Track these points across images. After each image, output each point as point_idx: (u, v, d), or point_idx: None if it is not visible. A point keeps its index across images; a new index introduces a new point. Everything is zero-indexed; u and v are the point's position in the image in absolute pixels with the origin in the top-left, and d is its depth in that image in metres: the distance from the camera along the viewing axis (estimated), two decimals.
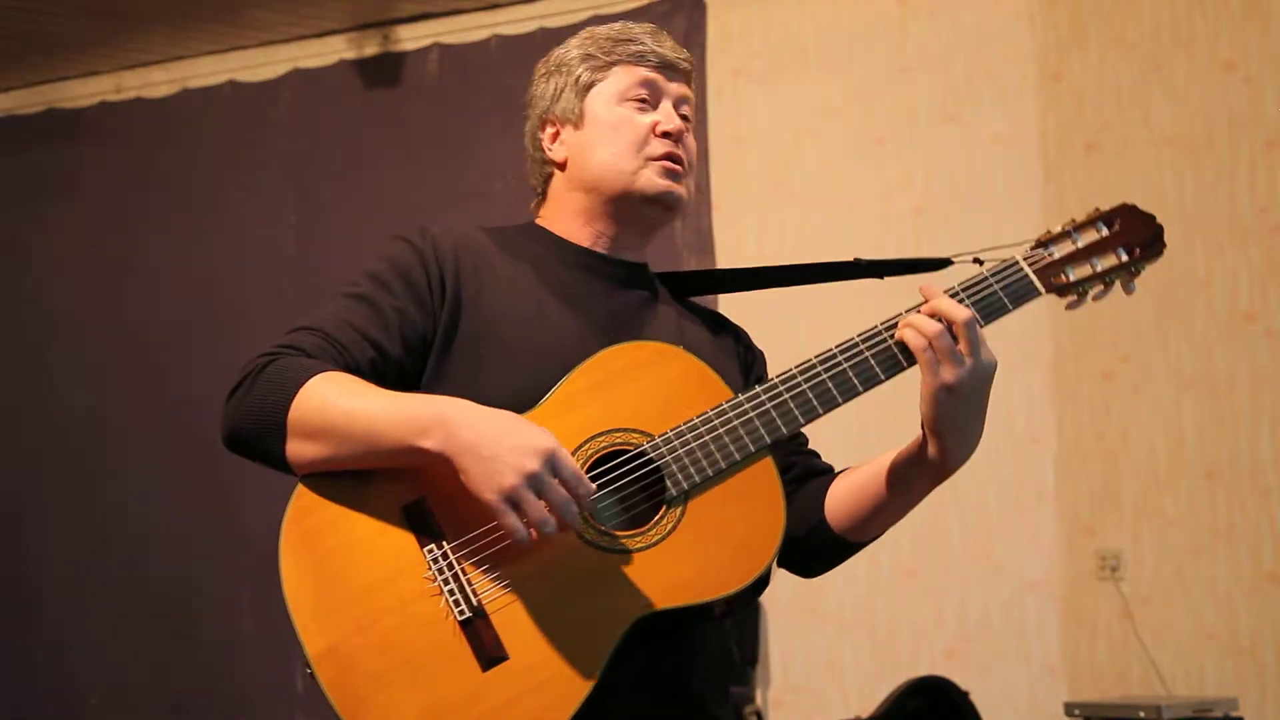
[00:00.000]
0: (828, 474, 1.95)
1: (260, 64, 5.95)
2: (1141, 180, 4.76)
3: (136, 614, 5.79)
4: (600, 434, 1.74)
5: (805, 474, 1.94)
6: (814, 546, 1.91)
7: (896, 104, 5.10)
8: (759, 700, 5.06)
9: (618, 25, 1.97)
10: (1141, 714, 4.08)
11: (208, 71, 6.03)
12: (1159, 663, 4.59)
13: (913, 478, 1.83)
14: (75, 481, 5.98)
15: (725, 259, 5.19)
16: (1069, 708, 4.25)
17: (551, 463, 1.63)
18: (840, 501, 1.88)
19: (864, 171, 5.12)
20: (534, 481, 1.62)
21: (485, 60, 5.55)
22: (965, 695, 4.23)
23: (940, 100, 5.04)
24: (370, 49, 5.76)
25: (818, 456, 1.99)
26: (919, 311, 1.76)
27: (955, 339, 1.73)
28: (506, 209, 5.32)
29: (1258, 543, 4.56)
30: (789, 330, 4.77)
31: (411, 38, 5.73)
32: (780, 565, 1.94)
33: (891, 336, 1.77)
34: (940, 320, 1.73)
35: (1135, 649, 4.63)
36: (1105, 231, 1.82)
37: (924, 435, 1.79)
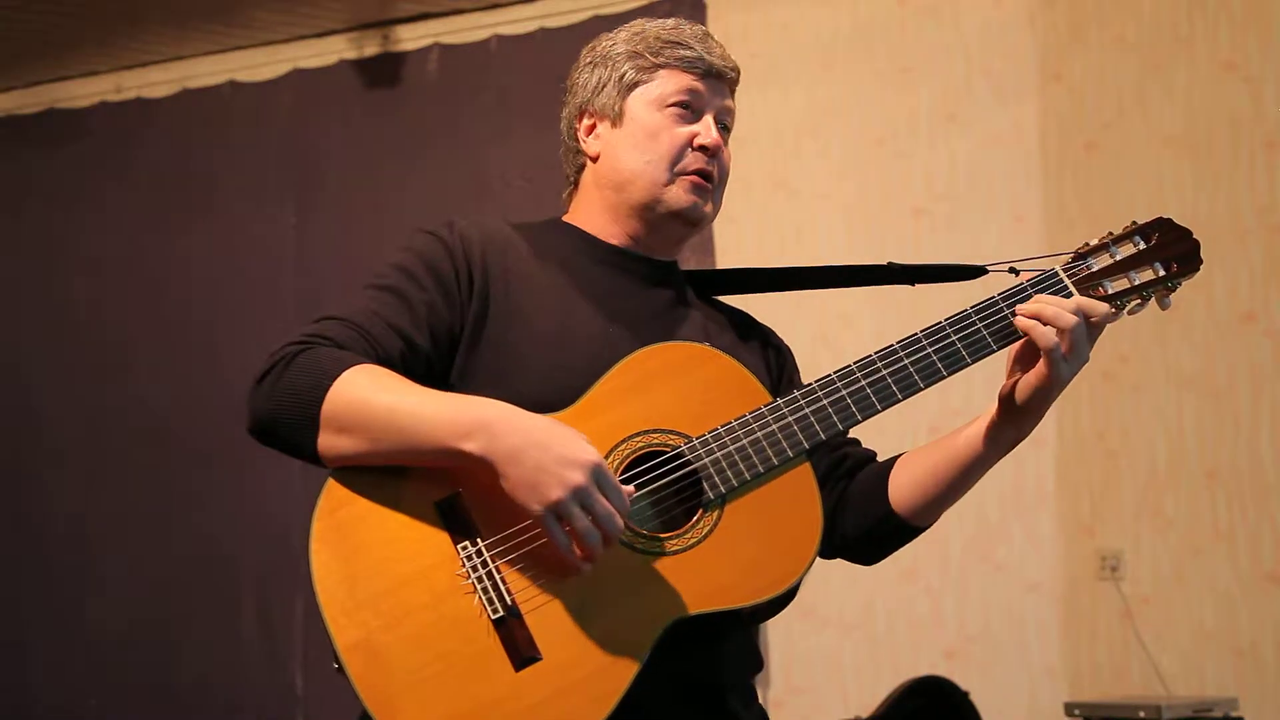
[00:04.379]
0: (875, 460, 1.95)
1: (260, 64, 5.95)
2: (1141, 180, 4.76)
3: (136, 614, 5.79)
4: (637, 434, 1.73)
5: (856, 465, 1.94)
6: (881, 535, 1.91)
7: (896, 104, 5.10)
8: (759, 700, 5.06)
9: (670, 24, 1.95)
10: (1141, 714, 4.08)
11: (208, 71, 6.03)
12: (1159, 663, 4.58)
13: (991, 459, 1.84)
14: (74, 481, 5.98)
15: (725, 259, 5.19)
16: (1069, 708, 4.25)
17: (598, 476, 1.62)
18: (909, 489, 1.88)
19: (864, 171, 5.12)
20: (580, 495, 1.61)
21: (485, 60, 5.55)
22: (965, 695, 4.23)
23: (940, 100, 5.04)
24: (370, 49, 5.76)
25: (859, 444, 1.99)
26: (1022, 301, 1.76)
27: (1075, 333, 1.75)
28: (507, 208, 5.33)
29: (1258, 543, 4.56)
30: (800, 327, 4.77)
31: (411, 38, 5.73)
32: (840, 556, 1.97)
33: (930, 347, 1.77)
34: (1063, 315, 1.74)
35: (1135, 649, 4.63)
36: (1142, 245, 1.82)
37: (1004, 416, 1.81)
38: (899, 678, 4.39)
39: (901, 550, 5.18)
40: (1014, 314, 1.76)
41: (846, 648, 4.97)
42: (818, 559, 1.94)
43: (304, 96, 5.85)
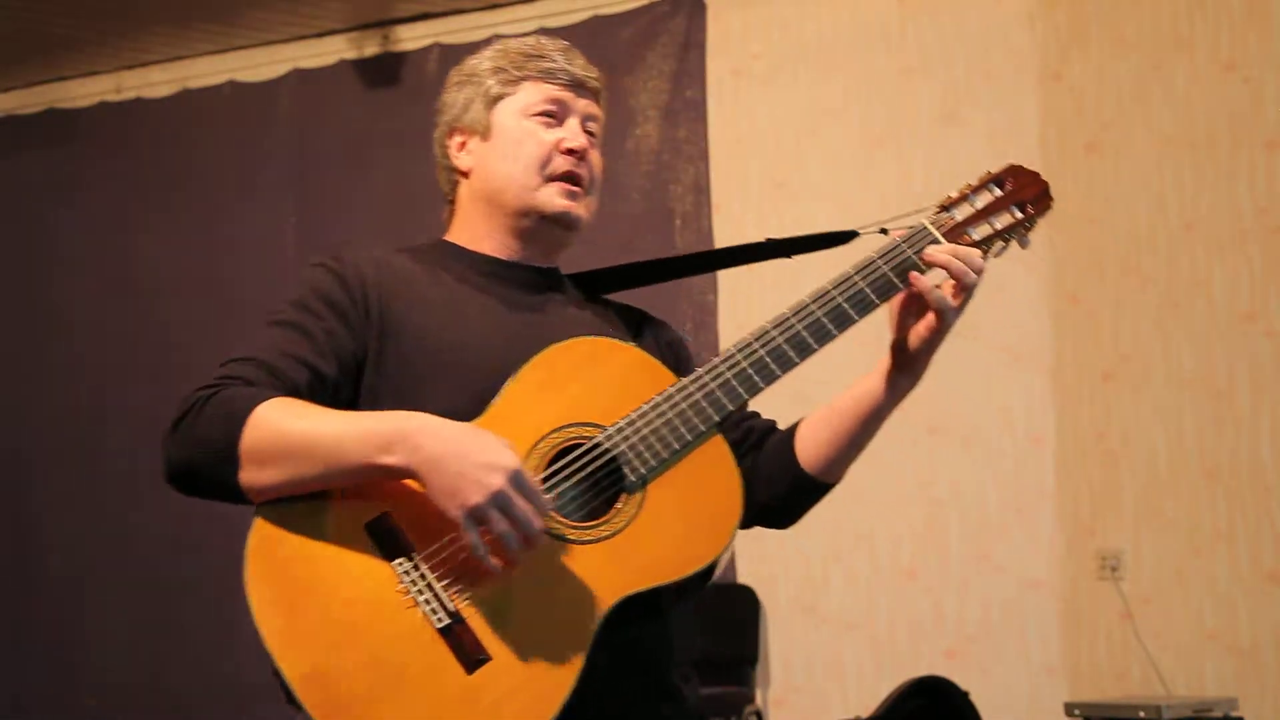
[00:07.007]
0: (778, 429, 2.01)
1: (260, 64, 5.95)
2: (1141, 180, 4.76)
3: (136, 614, 5.79)
4: (554, 430, 1.77)
5: (762, 436, 2.00)
6: (796, 496, 1.97)
7: (896, 104, 5.10)
8: (759, 700, 5.06)
9: (531, 39, 2.01)
10: (1141, 714, 4.08)
11: (208, 71, 6.04)
12: (1159, 663, 4.59)
13: (889, 406, 1.92)
14: (75, 480, 5.98)
15: None
16: (1069, 708, 4.25)
17: (516, 480, 1.65)
18: (817, 448, 1.95)
19: (864, 171, 5.12)
20: (498, 500, 1.64)
21: None
22: (965, 695, 4.23)
23: (940, 100, 5.04)
24: (370, 49, 5.76)
25: (758, 416, 2.05)
26: (927, 256, 1.86)
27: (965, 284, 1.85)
28: None
29: (1258, 543, 4.56)
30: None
31: (411, 38, 5.73)
32: (759, 524, 2.01)
33: (819, 310, 1.84)
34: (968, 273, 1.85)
35: (1135, 649, 4.63)
36: (998, 192, 1.97)
37: (897, 365, 1.89)
38: (899, 678, 4.39)
39: (901, 550, 5.19)
40: (896, 273, 1.86)
41: (846, 647, 4.97)
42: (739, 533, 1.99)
43: (304, 96, 5.85)
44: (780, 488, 1.95)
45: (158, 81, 6.12)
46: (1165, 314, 4.69)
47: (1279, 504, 4.56)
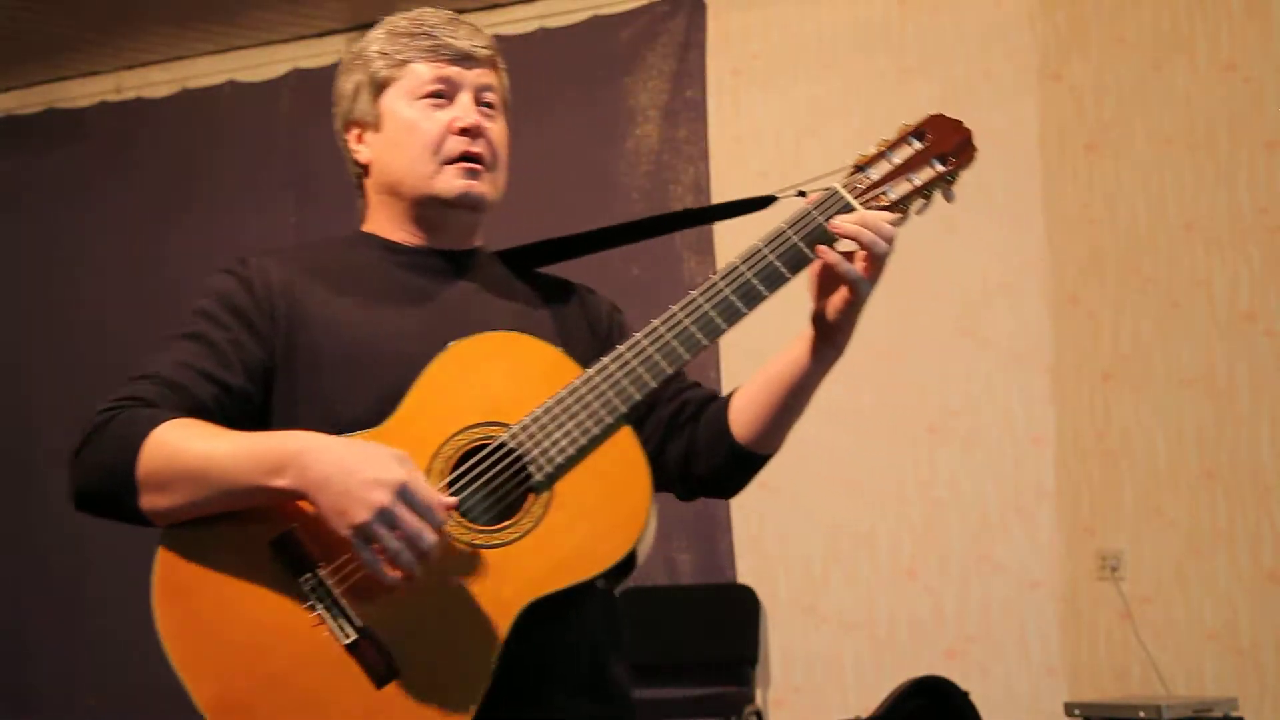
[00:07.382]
0: (717, 399, 1.97)
1: (260, 64, 5.95)
2: (1141, 180, 4.76)
3: (136, 613, 5.78)
4: (459, 432, 1.72)
5: (699, 408, 1.95)
6: (732, 468, 1.93)
7: (896, 104, 5.10)
8: (759, 700, 5.06)
9: (415, 15, 1.92)
10: (1141, 714, 4.08)
11: (208, 71, 6.04)
12: (1159, 663, 4.59)
13: (816, 376, 1.87)
14: None
15: (725, 259, 5.19)
16: (1069, 708, 4.25)
17: (404, 495, 1.61)
18: (749, 421, 1.90)
19: None
20: (385, 516, 1.60)
21: None
22: (965, 695, 4.23)
23: (940, 100, 5.03)
24: None
25: (699, 386, 2.01)
26: (838, 227, 1.79)
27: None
28: (506, 206, 5.32)
29: (1258, 543, 4.56)
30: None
31: None
32: (702, 495, 1.98)
33: (727, 288, 1.79)
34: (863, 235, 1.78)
35: (1135, 649, 4.63)
36: (918, 146, 1.86)
37: (820, 336, 1.84)
38: (899, 678, 4.39)
39: (901, 550, 5.18)
40: (806, 243, 1.79)
41: (846, 647, 4.97)
42: (686, 500, 1.97)
43: (304, 96, 5.85)
44: (717, 460, 1.91)
45: (158, 81, 6.12)
46: (1165, 314, 4.69)
47: (1279, 504, 4.56)
